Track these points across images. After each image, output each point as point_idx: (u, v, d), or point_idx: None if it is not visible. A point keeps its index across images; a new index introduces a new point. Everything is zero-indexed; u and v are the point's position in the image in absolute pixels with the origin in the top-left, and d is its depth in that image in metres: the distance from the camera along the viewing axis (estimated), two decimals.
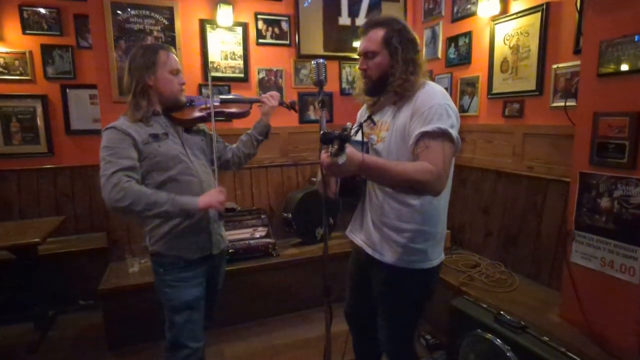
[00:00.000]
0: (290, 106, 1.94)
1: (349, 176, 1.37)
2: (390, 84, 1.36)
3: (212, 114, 1.64)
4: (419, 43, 1.40)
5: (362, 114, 1.63)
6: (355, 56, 1.48)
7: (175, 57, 1.57)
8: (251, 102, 1.86)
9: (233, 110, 1.80)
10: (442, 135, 1.22)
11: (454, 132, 1.25)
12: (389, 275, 1.45)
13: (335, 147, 1.00)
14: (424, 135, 1.23)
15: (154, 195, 1.39)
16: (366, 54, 1.40)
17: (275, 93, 1.84)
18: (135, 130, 1.45)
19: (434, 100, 1.27)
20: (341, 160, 1.01)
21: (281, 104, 1.87)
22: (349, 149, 1.08)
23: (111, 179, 1.36)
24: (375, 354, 1.77)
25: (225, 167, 1.84)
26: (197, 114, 1.65)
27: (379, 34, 1.36)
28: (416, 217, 1.38)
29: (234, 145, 1.84)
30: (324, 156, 1.09)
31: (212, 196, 1.48)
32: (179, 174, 1.51)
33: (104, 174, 1.38)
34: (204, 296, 1.62)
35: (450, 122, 1.25)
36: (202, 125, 1.75)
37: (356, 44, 1.54)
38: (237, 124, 1.82)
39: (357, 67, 1.47)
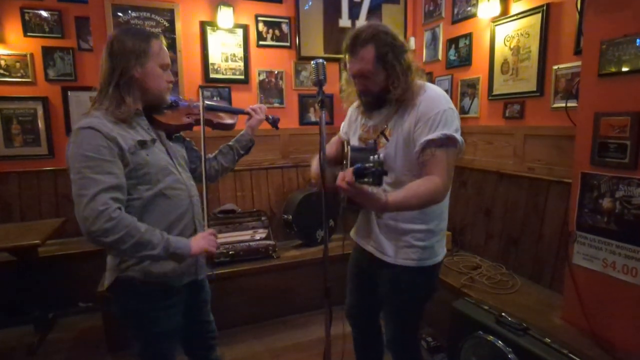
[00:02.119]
0: (273, 123, 1.76)
1: None
2: (391, 93, 1.33)
3: (202, 122, 1.47)
4: (406, 45, 1.37)
5: (352, 112, 1.61)
6: None
7: (166, 49, 1.34)
8: (236, 112, 1.68)
9: (222, 120, 1.60)
10: (446, 140, 1.25)
11: (459, 136, 1.28)
12: (399, 275, 1.45)
13: (370, 180, 0.96)
14: (430, 143, 1.25)
15: (147, 234, 1.15)
16: (362, 76, 1.35)
17: (262, 106, 1.69)
18: (120, 135, 1.18)
19: (439, 107, 1.28)
20: (373, 189, 1.03)
21: (267, 119, 1.72)
22: (371, 192, 1.07)
23: (94, 203, 1.08)
24: (377, 353, 1.76)
25: (199, 181, 1.53)
26: (184, 119, 1.44)
27: (370, 52, 1.30)
28: (421, 217, 1.40)
29: (211, 156, 1.62)
30: (348, 177, 1.02)
31: (205, 239, 1.29)
32: (168, 187, 1.28)
33: (83, 194, 1.09)
34: (191, 320, 1.47)
35: (455, 126, 1.28)
36: None
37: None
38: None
39: (356, 88, 1.42)
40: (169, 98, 1.40)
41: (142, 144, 1.25)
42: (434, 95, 1.32)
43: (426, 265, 1.43)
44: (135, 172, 1.21)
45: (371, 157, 0.97)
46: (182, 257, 1.25)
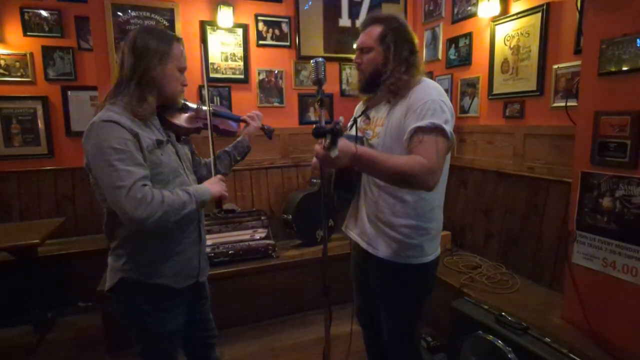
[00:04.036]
0: (268, 133, 1.76)
1: (344, 169, 1.39)
2: (383, 81, 1.37)
3: (210, 127, 1.49)
4: (416, 44, 1.41)
5: (358, 109, 1.64)
6: None
7: (185, 53, 1.37)
8: (235, 120, 1.69)
9: (227, 127, 1.62)
10: (435, 130, 1.23)
11: (448, 128, 1.25)
12: (386, 271, 1.45)
13: (328, 141, 1.02)
14: (418, 130, 1.24)
15: (178, 198, 1.21)
16: (362, 49, 1.43)
17: (259, 113, 1.71)
18: (139, 132, 1.21)
19: (428, 96, 1.28)
20: (333, 153, 1.03)
21: (262, 128, 1.73)
22: (342, 141, 1.10)
23: (132, 192, 1.11)
24: (387, 352, 1.76)
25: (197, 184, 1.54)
26: (194, 122, 1.47)
27: (376, 30, 1.39)
28: (410, 212, 1.39)
29: (208, 161, 1.58)
30: (318, 148, 1.11)
31: (219, 184, 1.37)
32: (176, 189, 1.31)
33: (120, 185, 1.11)
34: (194, 319, 1.50)
35: (445, 117, 1.26)
36: None
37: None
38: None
39: (353, 60, 1.49)
40: (180, 100, 1.43)
41: (159, 143, 1.27)
42: (426, 87, 1.34)
43: (415, 263, 1.41)
44: (151, 171, 1.22)
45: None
46: (206, 202, 1.32)
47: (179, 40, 1.33)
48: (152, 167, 1.23)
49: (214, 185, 1.35)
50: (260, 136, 1.77)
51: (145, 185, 1.16)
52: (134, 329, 1.35)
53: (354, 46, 1.48)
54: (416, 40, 1.41)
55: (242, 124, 1.71)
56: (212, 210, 1.45)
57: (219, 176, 1.41)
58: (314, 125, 1.05)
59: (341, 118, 1.08)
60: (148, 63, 1.24)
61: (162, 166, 1.26)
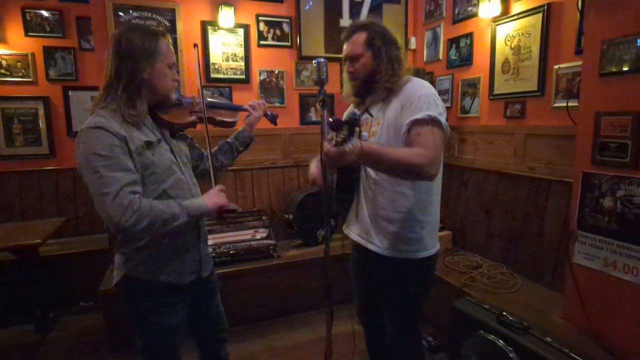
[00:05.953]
0: (272, 119, 1.78)
1: (345, 172, 1.43)
2: (377, 81, 1.42)
3: (205, 120, 1.47)
4: (398, 42, 1.47)
5: (348, 113, 1.64)
6: None
7: (172, 48, 1.33)
8: (236, 109, 1.68)
9: (224, 118, 1.60)
10: (432, 122, 1.29)
11: (443, 120, 1.31)
12: (387, 267, 1.47)
13: (345, 132, 1.01)
14: (415, 122, 1.29)
15: (168, 209, 1.19)
16: (351, 58, 1.46)
17: (261, 102, 1.70)
18: (129, 135, 1.19)
19: (422, 91, 1.35)
20: (350, 145, 1.02)
21: (265, 115, 1.73)
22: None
23: (118, 199, 1.10)
24: (388, 351, 1.77)
25: (201, 177, 1.55)
26: (188, 117, 1.44)
27: (361, 37, 1.43)
28: (410, 206, 1.42)
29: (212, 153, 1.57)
30: (328, 146, 1.09)
31: (217, 195, 1.32)
32: (171, 187, 1.29)
33: (106, 192, 1.10)
34: (201, 316, 1.51)
35: (439, 110, 1.32)
36: None
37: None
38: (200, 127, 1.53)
39: (345, 71, 1.51)
40: (173, 96, 1.39)
41: (149, 144, 1.25)
42: (418, 83, 1.40)
43: (416, 258, 1.44)
44: (143, 172, 1.22)
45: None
46: (203, 216, 1.32)
47: (164, 35, 1.29)
48: (144, 168, 1.22)
49: (211, 199, 1.31)
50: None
51: (133, 192, 1.14)
52: (135, 324, 1.37)
53: (342, 58, 1.50)
54: (397, 39, 1.48)
55: (244, 114, 1.70)
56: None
57: (218, 187, 1.37)
58: (330, 118, 1.05)
59: (355, 110, 1.10)
60: (135, 65, 1.20)
61: (154, 166, 1.24)
